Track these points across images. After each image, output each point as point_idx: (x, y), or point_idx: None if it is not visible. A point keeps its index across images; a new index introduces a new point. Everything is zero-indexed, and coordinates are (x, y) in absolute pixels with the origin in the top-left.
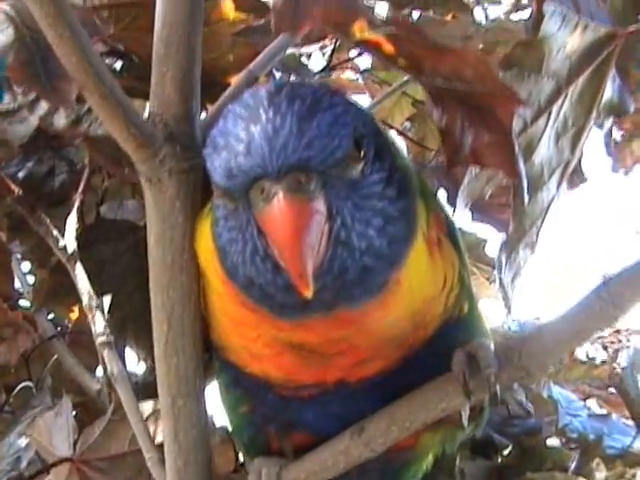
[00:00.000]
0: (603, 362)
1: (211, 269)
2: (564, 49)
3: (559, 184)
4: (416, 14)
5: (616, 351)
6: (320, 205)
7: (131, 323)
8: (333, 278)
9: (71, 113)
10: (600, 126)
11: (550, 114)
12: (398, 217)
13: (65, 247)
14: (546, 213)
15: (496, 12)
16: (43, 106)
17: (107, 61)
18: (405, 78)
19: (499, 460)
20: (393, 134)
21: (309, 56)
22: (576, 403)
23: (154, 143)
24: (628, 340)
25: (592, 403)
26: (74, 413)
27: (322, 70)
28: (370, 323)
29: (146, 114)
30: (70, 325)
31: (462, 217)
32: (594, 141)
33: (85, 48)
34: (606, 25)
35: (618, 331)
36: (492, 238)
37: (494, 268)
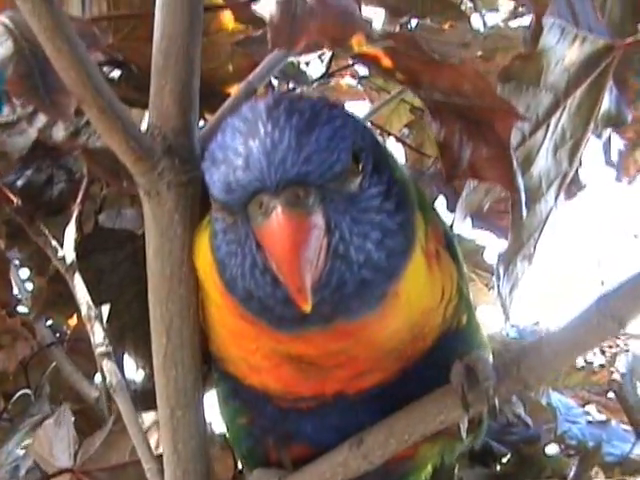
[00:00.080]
0: (601, 366)
1: (210, 281)
2: (562, 62)
3: (557, 195)
4: (414, 22)
5: (614, 355)
6: (318, 219)
7: (130, 332)
8: (331, 291)
9: (70, 125)
10: (598, 136)
11: (548, 126)
12: (396, 230)
13: (64, 257)
14: (544, 225)
15: (494, 19)
16: (42, 118)
17: (105, 70)
18: None
19: (498, 468)
20: (391, 141)
21: (307, 63)
22: (575, 410)
23: (153, 156)
24: (626, 344)
25: (591, 409)
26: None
27: (321, 77)
28: (369, 335)
29: (145, 126)
30: (69, 332)
31: (461, 224)
32: (590, 150)
33: (83, 61)
34: (604, 37)
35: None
36: (491, 244)
37: (493, 274)
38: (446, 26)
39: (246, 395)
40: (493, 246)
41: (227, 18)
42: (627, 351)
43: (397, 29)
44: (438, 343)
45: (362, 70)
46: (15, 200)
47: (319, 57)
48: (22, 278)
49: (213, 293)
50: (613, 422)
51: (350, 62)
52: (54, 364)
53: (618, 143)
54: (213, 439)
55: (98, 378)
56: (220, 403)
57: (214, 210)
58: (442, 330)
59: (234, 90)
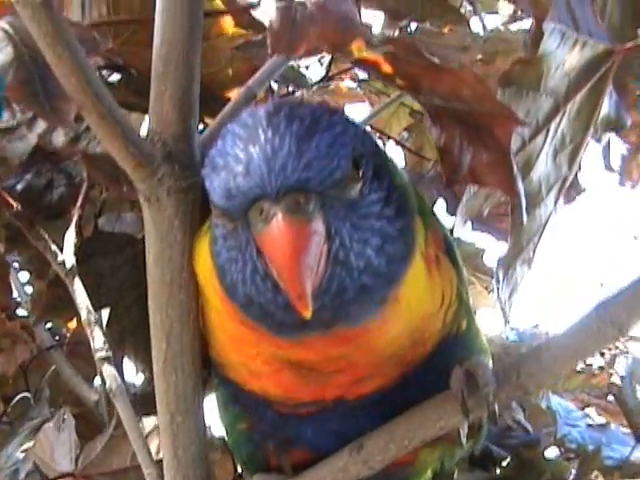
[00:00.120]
0: (600, 368)
1: (210, 287)
2: (562, 66)
3: (556, 200)
4: (413, 26)
5: (613, 357)
6: (319, 226)
7: (129, 336)
8: (332, 297)
9: (70, 131)
10: (598, 140)
11: (548, 131)
12: (396, 236)
13: (63, 262)
14: (543, 229)
15: (493, 22)
16: (42, 124)
17: (104, 74)
18: None
19: (497, 472)
20: (391, 144)
21: (307, 66)
22: (575, 413)
23: (153, 162)
24: (625, 347)
25: (591, 412)
26: None
27: (321, 80)
28: (369, 341)
29: (145, 131)
30: (68, 335)
31: (462, 228)
32: (589, 154)
33: (84, 68)
34: (604, 42)
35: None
36: (490, 247)
37: (492, 277)
38: (446, 29)
39: (246, 400)
40: (493, 249)
41: (227, 23)
42: (626, 353)
43: (397, 32)
44: (438, 348)
45: (362, 73)
46: (15, 205)
47: (319, 60)
48: (22, 281)
49: (213, 299)
50: (613, 425)
51: (350, 65)
52: (54, 367)
53: (621, 148)
54: (213, 443)
55: (98, 381)
56: (220, 408)
57: (214, 216)
58: (442, 335)
59: (234, 94)
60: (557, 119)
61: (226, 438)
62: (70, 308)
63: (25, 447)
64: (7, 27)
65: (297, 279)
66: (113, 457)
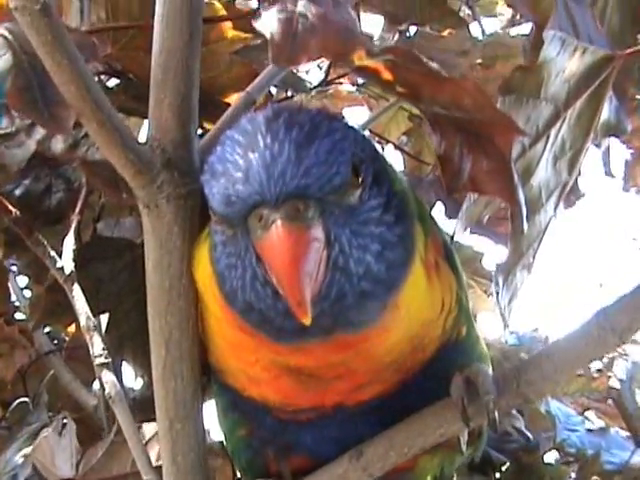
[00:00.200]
0: (599, 371)
1: (209, 293)
2: (563, 73)
3: (556, 205)
4: (412, 29)
5: (611, 360)
6: (318, 232)
7: (129, 341)
8: (331, 304)
9: (68, 138)
10: (598, 145)
11: (548, 138)
12: (396, 242)
13: (62, 267)
14: (543, 235)
15: (492, 27)
16: (40, 130)
17: (103, 78)
18: None
19: (497, 476)
20: (390, 148)
21: (307, 71)
22: (574, 418)
23: (152, 169)
24: (623, 349)
25: (591, 415)
26: None
27: (319, 84)
28: (369, 347)
29: (144, 137)
30: (67, 339)
31: (462, 235)
32: (588, 158)
33: (83, 75)
34: (604, 48)
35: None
36: (489, 251)
37: (492, 281)
38: (445, 33)
39: (245, 407)
40: (491, 252)
41: (226, 27)
42: (625, 355)
43: (396, 36)
44: (437, 355)
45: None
46: (13, 211)
47: (318, 65)
48: (20, 286)
49: (212, 305)
50: (612, 430)
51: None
52: (52, 372)
53: (624, 153)
54: (212, 449)
55: (96, 386)
56: (219, 415)
57: (213, 223)
58: (442, 342)
59: (233, 99)
60: (557, 125)
61: (225, 444)
62: (69, 313)
63: (24, 452)
64: (6, 33)
65: (296, 286)
66: (114, 463)
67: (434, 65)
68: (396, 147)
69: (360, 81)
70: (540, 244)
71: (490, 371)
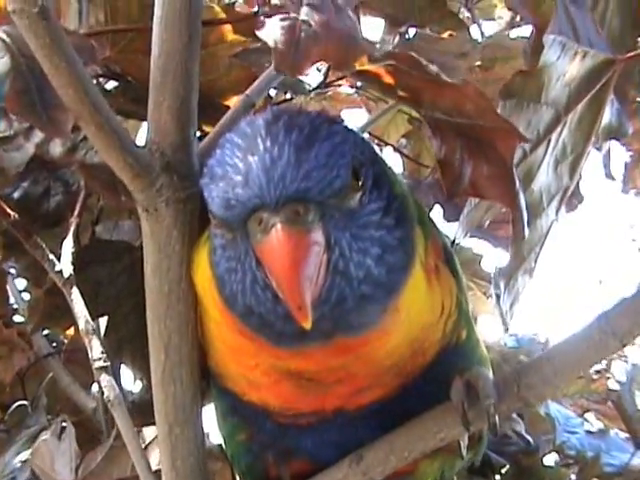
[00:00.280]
0: (597, 372)
1: (209, 297)
2: (563, 77)
3: (558, 210)
4: (412, 32)
5: (610, 361)
6: (318, 236)
7: (127, 344)
8: (332, 307)
9: (67, 141)
10: (599, 149)
11: (549, 142)
12: (396, 246)
13: (61, 271)
14: (545, 239)
15: (491, 30)
16: (39, 133)
17: (101, 81)
18: None
19: (496, 479)
20: (389, 151)
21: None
22: (573, 420)
23: (151, 173)
24: (622, 350)
25: (590, 417)
26: None
27: (318, 86)
28: (369, 351)
29: (143, 140)
30: (66, 342)
31: (463, 240)
32: (588, 161)
33: (81, 78)
34: (604, 52)
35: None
36: (489, 253)
37: (491, 283)
38: (445, 35)
39: (245, 411)
40: (491, 254)
41: (226, 30)
42: (624, 356)
43: (396, 38)
44: (438, 358)
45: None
46: (12, 214)
47: (317, 67)
48: (19, 288)
49: (212, 309)
50: (612, 432)
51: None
52: (51, 375)
53: (624, 155)
54: (211, 452)
55: (95, 388)
56: (219, 419)
57: (213, 226)
58: (442, 345)
59: (233, 102)
60: (558, 129)
61: (225, 448)
62: (67, 316)
63: (22, 455)
64: (4, 36)
65: (297, 290)
66: (113, 467)
67: (435, 69)
68: (395, 150)
69: (359, 83)
70: (542, 248)
71: (490, 375)
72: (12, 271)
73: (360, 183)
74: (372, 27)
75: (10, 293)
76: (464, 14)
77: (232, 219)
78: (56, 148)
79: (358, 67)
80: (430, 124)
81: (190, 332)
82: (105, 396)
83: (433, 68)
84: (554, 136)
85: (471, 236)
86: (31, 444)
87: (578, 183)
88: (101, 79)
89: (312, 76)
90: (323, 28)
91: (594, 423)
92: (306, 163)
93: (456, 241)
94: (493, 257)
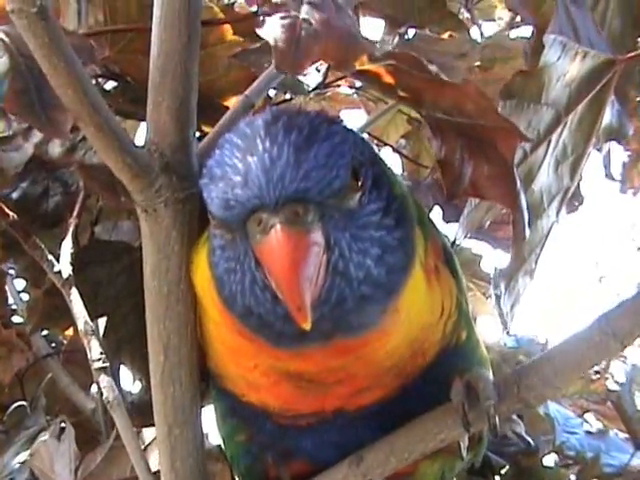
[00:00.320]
0: (596, 372)
1: (208, 298)
2: (564, 77)
3: (558, 211)
4: (411, 32)
5: (609, 361)
6: (318, 237)
7: (126, 344)
8: (331, 308)
9: (66, 141)
10: (599, 149)
11: (550, 142)
12: (396, 246)
13: (60, 272)
14: (545, 240)
15: (491, 31)
16: (38, 134)
17: (100, 81)
18: None
19: None
20: (388, 151)
21: (305, 73)
22: (573, 420)
23: (150, 173)
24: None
25: (589, 417)
26: None
27: (318, 87)
28: (369, 352)
29: (142, 140)
30: (65, 342)
31: (463, 241)
32: (589, 162)
33: (80, 79)
34: (605, 52)
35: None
36: (488, 253)
37: (490, 283)
38: (444, 36)
39: (244, 412)
40: (490, 255)
41: (225, 30)
42: (623, 357)
43: (396, 39)
44: (438, 359)
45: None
46: (11, 214)
47: (316, 67)
48: (18, 289)
49: (211, 310)
50: (611, 432)
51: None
52: (50, 375)
53: (622, 155)
54: (211, 453)
55: (94, 389)
56: (218, 420)
57: (212, 227)
58: (442, 346)
59: (232, 102)
60: (559, 130)
61: (224, 449)
62: (67, 317)
63: (21, 456)
64: (3, 36)
65: (296, 290)
66: (113, 468)
67: (435, 69)
68: (394, 150)
69: (358, 84)
70: (542, 250)
71: (491, 376)
72: (11, 272)
73: (360, 183)
74: (372, 28)
75: (9, 294)
76: (464, 15)
77: (231, 220)
78: (55, 148)
79: (358, 67)
80: (430, 124)
81: (189, 333)
82: (104, 397)
83: (433, 68)
84: (554, 137)
85: (471, 237)
86: (30, 445)
87: (578, 184)
88: (100, 79)
89: (311, 76)
90: (323, 26)
91: (593, 423)
92: (305, 163)
93: (456, 242)
94: (493, 257)
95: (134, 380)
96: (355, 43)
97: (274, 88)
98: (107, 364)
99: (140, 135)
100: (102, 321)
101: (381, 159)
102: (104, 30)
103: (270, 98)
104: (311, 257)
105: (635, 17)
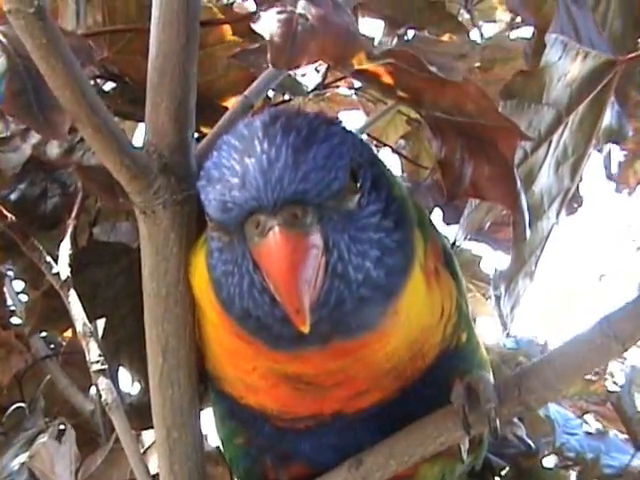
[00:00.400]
0: (596, 373)
1: (206, 300)
2: (565, 78)
3: (559, 212)
4: (411, 33)
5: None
6: (316, 239)
7: (125, 346)
8: (330, 310)
9: (64, 142)
10: (599, 151)
11: (550, 143)
12: (395, 248)
13: (58, 273)
14: (545, 241)
15: (491, 32)
16: (36, 135)
17: (99, 82)
18: None
19: None
20: (387, 152)
21: (304, 74)
22: (573, 421)
23: (148, 175)
24: None
25: (589, 418)
26: None
27: (317, 87)
28: (368, 354)
29: (140, 141)
30: (64, 344)
31: (463, 242)
32: (590, 163)
33: (78, 80)
34: (606, 52)
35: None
36: (488, 254)
37: (490, 284)
38: (444, 37)
39: (243, 415)
40: (490, 256)
41: (224, 30)
42: (622, 358)
43: (395, 40)
44: (437, 362)
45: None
46: (9, 216)
47: (315, 68)
48: (16, 290)
49: (209, 312)
50: (611, 433)
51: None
52: (49, 377)
53: (618, 155)
54: (210, 456)
55: (93, 391)
56: (217, 422)
57: (210, 229)
58: (441, 348)
59: (231, 103)
60: (559, 131)
61: (223, 452)
62: (65, 318)
63: (20, 458)
64: (0, 37)
65: (295, 293)
66: (113, 470)
67: (434, 69)
68: (394, 151)
69: (357, 85)
70: (542, 251)
71: (491, 378)
72: (10, 273)
73: (358, 185)
74: (371, 29)
75: (7, 295)
76: (464, 16)
77: (229, 222)
78: (53, 149)
79: (357, 66)
80: (430, 124)
81: (188, 335)
82: (103, 399)
83: (432, 68)
84: (555, 137)
85: (471, 239)
86: (29, 446)
87: (578, 186)
88: (98, 80)
89: (310, 77)
90: (320, 22)
91: (593, 424)
92: (304, 165)
93: (456, 243)
94: (493, 259)
95: (133, 382)
96: (353, 40)
97: (273, 89)
98: (106, 366)
99: (138, 136)
100: (101, 323)
101: (380, 160)
102: (102, 31)
103: (269, 99)
104: (310, 259)
105: (636, 18)
